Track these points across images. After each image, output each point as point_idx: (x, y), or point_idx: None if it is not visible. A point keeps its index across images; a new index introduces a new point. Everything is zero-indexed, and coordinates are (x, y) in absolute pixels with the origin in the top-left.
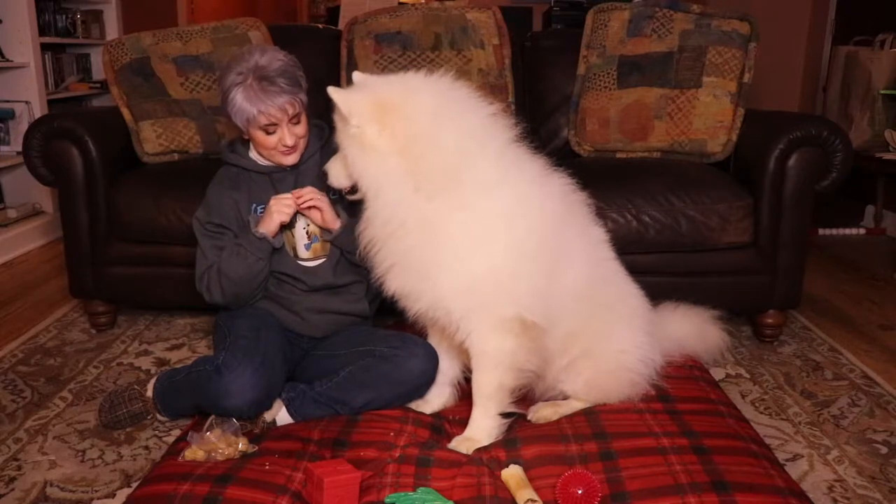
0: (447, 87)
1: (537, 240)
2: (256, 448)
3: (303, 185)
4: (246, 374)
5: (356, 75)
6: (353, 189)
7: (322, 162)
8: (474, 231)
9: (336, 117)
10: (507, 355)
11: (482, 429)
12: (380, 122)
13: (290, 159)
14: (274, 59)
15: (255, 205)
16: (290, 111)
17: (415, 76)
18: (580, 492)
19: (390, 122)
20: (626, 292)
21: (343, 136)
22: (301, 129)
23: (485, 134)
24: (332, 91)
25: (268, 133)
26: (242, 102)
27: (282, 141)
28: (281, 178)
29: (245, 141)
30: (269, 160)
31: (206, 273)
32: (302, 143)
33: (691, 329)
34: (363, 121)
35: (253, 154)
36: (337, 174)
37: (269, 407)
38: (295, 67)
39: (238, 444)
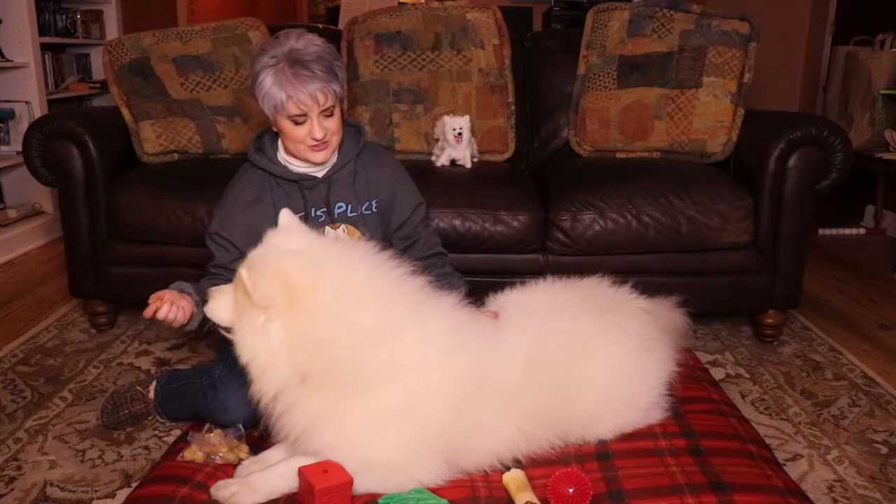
0: (350, 271)
1: (441, 424)
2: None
3: (336, 196)
4: (242, 390)
5: (273, 235)
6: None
7: (359, 170)
8: (367, 423)
9: (239, 287)
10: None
11: (274, 486)
12: (280, 317)
13: (320, 156)
14: (310, 43)
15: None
16: (322, 100)
17: (320, 254)
18: (571, 491)
19: (290, 318)
20: (608, 331)
21: (241, 308)
22: (333, 123)
23: (389, 320)
24: (244, 274)
25: (296, 124)
26: (272, 87)
27: (311, 133)
28: (312, 187)
29: (274, 135)
30: (296, 156)
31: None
32: (335, 141)
33: (663, 322)
34: (272, 314)
35: (282, 155)
36: (219, 313)
37: None
38: (332, 56)
39: (239, 452)
